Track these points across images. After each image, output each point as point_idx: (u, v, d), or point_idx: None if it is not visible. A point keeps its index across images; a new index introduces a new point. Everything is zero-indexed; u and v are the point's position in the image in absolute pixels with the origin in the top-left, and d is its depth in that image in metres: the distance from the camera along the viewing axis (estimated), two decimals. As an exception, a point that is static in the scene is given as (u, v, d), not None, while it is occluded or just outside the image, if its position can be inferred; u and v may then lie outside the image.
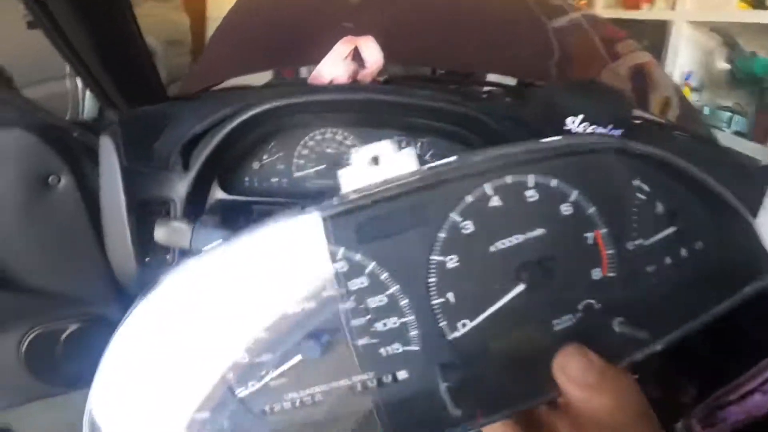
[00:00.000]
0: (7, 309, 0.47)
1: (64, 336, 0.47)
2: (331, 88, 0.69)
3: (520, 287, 0.32)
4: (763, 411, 0.40)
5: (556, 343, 0.32)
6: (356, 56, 0.68)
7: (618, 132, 0.49)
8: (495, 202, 0.33)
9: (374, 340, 0.33)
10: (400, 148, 0.32)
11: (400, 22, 0.86)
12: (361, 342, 0.33)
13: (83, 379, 0.42)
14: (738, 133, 2.13)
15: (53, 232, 0.50)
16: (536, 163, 0.33)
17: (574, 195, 0.33)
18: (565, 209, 0.33)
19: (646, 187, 0.34)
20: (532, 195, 0.33)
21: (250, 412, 0.34)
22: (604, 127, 0.48)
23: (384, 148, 0.31)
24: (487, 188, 0.32)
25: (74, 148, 0.49)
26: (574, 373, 0.29)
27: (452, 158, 0.32)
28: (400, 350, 0.33)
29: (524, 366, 0.33)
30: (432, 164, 0.32)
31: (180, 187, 0.59)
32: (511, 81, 0.83)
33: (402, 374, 0.33)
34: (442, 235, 0.32)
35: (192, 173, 0.59)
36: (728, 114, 2.19)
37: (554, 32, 0.73)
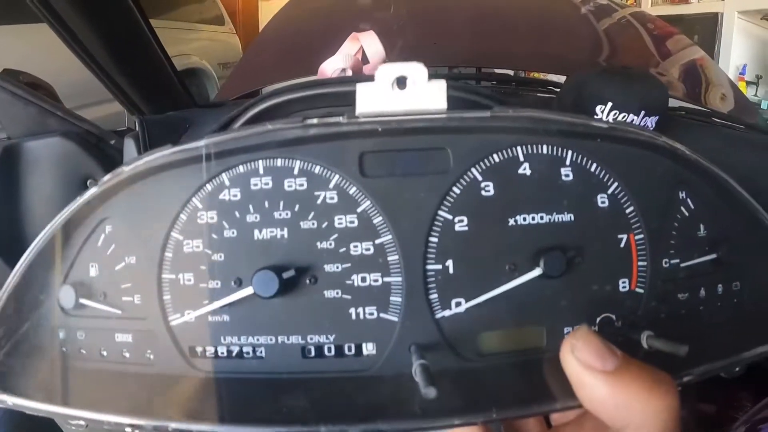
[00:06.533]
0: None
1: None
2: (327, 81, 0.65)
3: (536, 272, 0.26)
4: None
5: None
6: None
7: (652, 119, 0.45)
8: (524, 169, 0.28)
9: (346, 296, 0.27)
10: (431, 78, 0.27)
11: (449, 28, 0.86)
12: (330, 294, 0.27)
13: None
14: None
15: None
16: (578, 139, 0.28)
17: (614, 187, 0.28)
18: (602, 200, 0.28)
19: (691, 204, 0.30)
20: (567, 174, 0.28)
21: (177, 346, 0.27)
22: (636, 114, 0.44)
23: (415, 71, 0.26)
24: (519, 152, 0.28)
25: (110, 154, 0.54)
26: (588, 356, 0.21)
27: (487, 110, 0.27)
28: (375, 316, 0.27)
29: (519, 369, 0.26)
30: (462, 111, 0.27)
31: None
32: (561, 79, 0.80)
33: (368, 348, 0.27)
34: (456, 190, 0.27)
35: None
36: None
37: (603, 31, 0.71)
